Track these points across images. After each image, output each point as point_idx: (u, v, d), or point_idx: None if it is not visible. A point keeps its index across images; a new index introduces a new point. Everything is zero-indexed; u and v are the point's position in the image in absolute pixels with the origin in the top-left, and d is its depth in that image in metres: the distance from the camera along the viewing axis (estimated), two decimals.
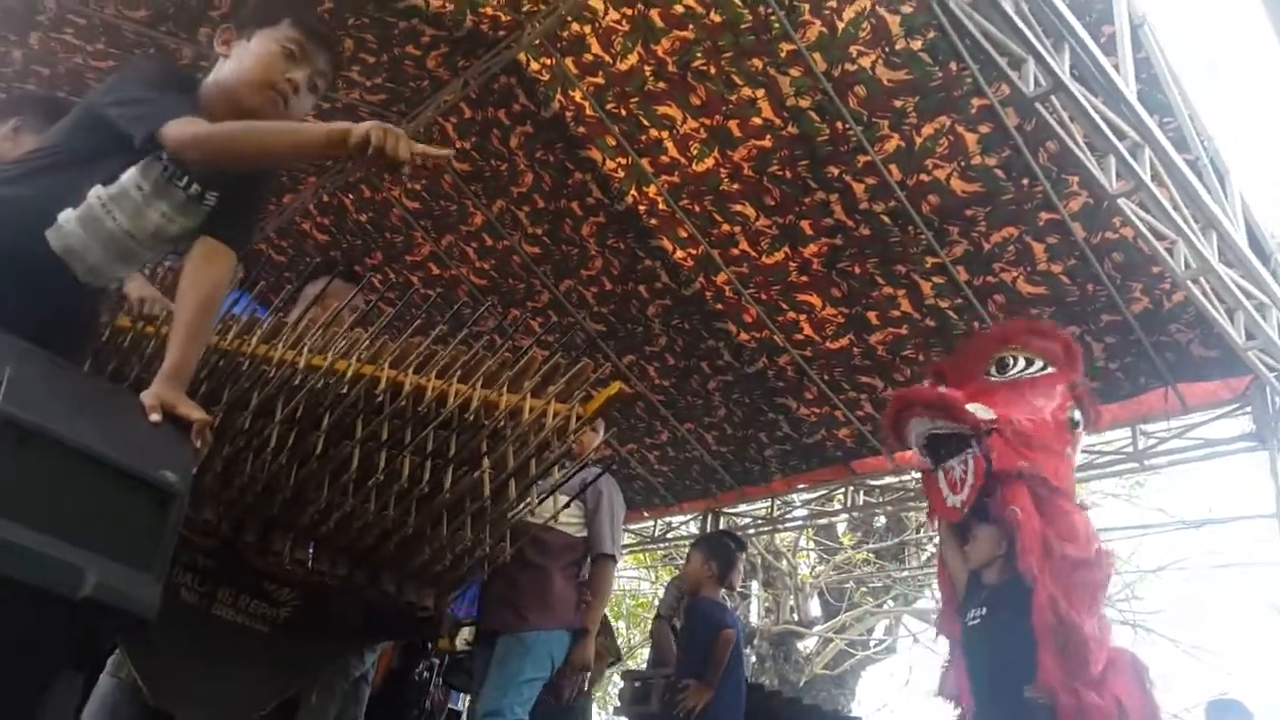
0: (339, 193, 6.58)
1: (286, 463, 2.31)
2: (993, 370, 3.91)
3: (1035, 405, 3.68)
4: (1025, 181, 4.64)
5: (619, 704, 5.09)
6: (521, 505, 2.55)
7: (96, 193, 1.86)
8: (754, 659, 9.86)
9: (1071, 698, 3.10)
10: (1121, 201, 3.92)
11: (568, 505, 3.65)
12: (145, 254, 2.03)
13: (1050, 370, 3.87)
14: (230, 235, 2.02)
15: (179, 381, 1.82)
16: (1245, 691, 9.46)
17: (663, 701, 4.27)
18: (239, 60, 2.01)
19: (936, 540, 10.64)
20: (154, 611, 1.44)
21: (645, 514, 8.51)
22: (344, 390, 2.32)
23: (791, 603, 10.77)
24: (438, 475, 2.39)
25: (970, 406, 3.58)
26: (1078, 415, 3.78)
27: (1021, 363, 3.88)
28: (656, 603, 5.25)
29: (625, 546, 9.59)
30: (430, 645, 4.21)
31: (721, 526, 7.99)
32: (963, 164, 4.69)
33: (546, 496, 3.05)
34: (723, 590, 4.54)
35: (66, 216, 1.84)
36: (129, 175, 1.88)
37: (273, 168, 1.93)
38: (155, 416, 1.69)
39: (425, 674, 4.19)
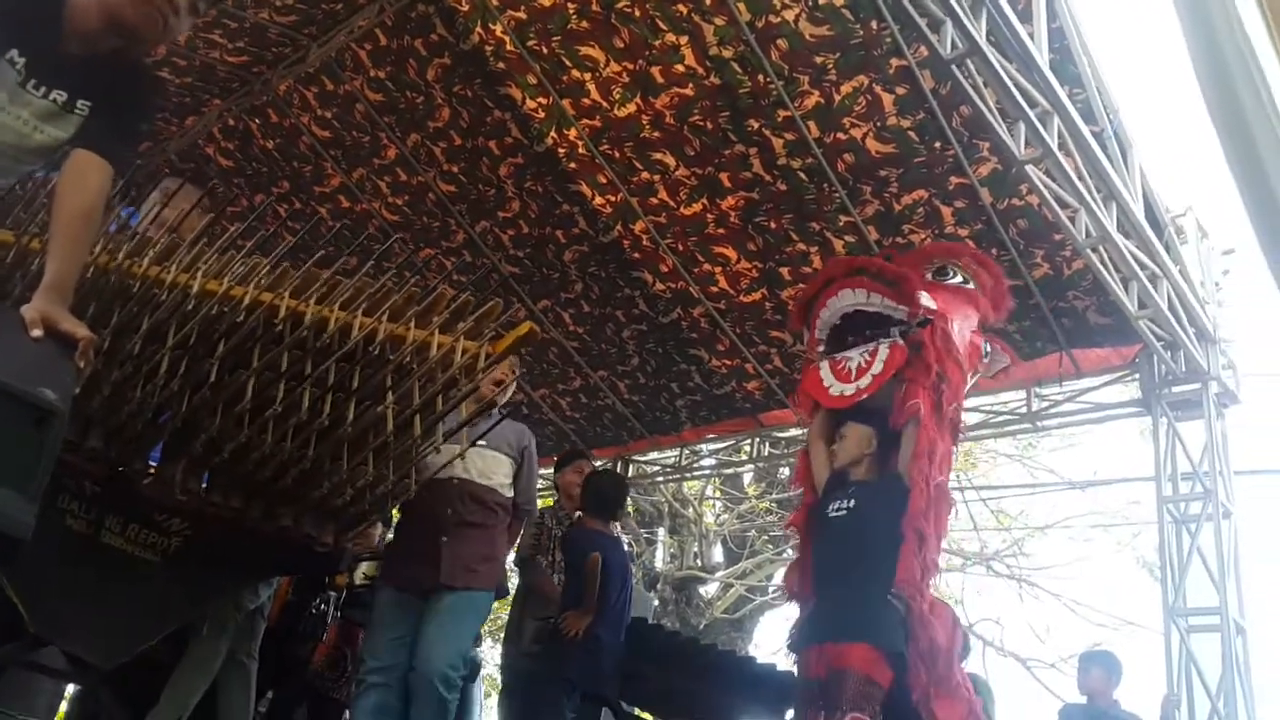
0: (245, 116, 6.33)
1: (179, 390, 2.24)
2: (931, 274, 3.74)
3: (962, 318, 3.54)
4: (938, 145, 4.72)
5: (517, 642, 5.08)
6: (426, 442, 2.53)
7: None
8: (657, 602, 10.05)
9: (921, 604, 3.07)
10: (1029, 168, 4.02)
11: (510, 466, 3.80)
12: (15, 166, 1.95)
13: (978, 294, 3.74)
14: (105, 147, 1.91)
15: (61, 295, 1.74)
16: (1116, 644, 10.03)
17: (540, 638, 4.31)
18: None
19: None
20: (28, 532, 1.39)
21: (555, 460, 8.51)
22: (240, 318, 2.25)
23: (696, 549, 10.98)
24: (339, 409, 2.35)
25: (922, 291, 3.45)
26: (989, 347, 3.65)
27: (959, 277, 3.74)
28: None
29: (537, 491, 9.60)
30: (327, 581, 4.17)
31: (631, 474, 8.07)
32: (879, 124, 4.74)
33: (472, 444, 3.05)
34: (611, 524, 4.51)
35: None
36: None
37: None
38: (36, 332, 1.61)
39: (323, 606, 4.16)
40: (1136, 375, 5.42)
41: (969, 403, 6.13)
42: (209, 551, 2.52)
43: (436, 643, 3.40)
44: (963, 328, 3.49)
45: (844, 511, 3.34)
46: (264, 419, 2.29)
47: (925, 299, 3.42)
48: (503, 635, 4.98)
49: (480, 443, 3.50)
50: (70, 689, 3.49)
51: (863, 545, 3.23)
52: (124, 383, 2.29)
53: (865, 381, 3.43)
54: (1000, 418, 6.23)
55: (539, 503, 4.35)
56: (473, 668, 4.39)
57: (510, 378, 3.77)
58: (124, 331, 2.27)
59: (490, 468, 3.69)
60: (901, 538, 3.12)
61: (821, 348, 3.67)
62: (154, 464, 2.50)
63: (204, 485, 2.52)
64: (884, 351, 3.44)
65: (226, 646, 3.32)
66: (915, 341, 3.37)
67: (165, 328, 2.23)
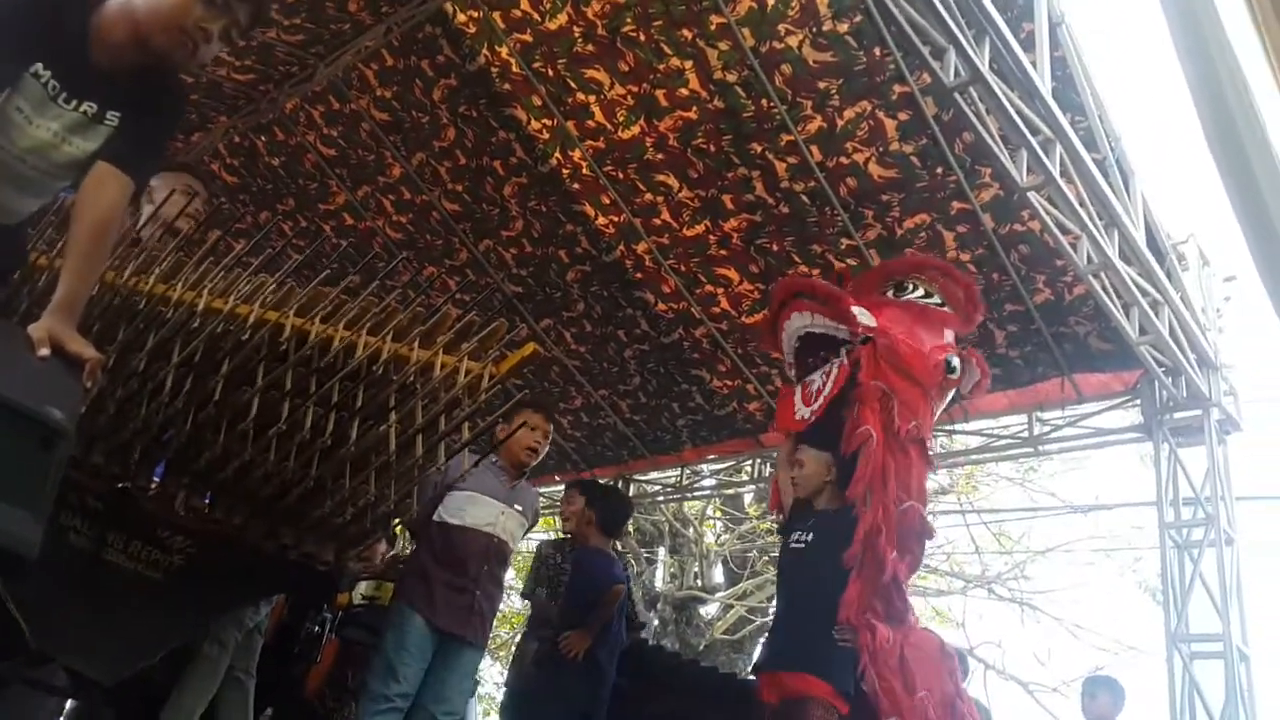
0: (251, 134, 6.38)
1: (183, 408, 2.25)
2: (890, 290, 3.62)
3: (917, 333, 3.38)
4: (940, 170, 4.75)
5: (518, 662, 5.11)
6: (429, 462, 2.53)
7: None
8: (657, 623, 10.01)
9: (868, 633, 2.90)
10: (1031, 195, 4.05)
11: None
12: (47, 181, 1.95)
13: (944, 308, 3.57)
14: (127, 160, 1.91)
15: (70, 315, 1.75)
16: (1118, 669, 9.99)
17: (539, 659, 4.36)
18: None
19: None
20: (34, 550, 1.40)
21: (556, 478, 8.52)
22: (245, 336, 2.26)
23: (696, 569, 10.95)
24: (342, 428, 2.36)
25: (855, 308, 3.32)
26: (955, 362, 3.41)
27: (920, 290, 3.56)
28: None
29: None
30: (327, 601, 4.17)
31: (632, 493, 8.06)
32: (881, 149, 4.77)
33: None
34: (611, 542, 4.59)
35: None
36: (4, 98, 1.81)
37: None
38: (43, 351, 1.62)
39: (317, 629, 4.15)
40: (1138, 400, 5.42)
41: (970, 425, 6.17)
42: (211, 569, 2.52)
43: (455, 693, 3.65)
44: (916, 342, 3.34)
45: (803, 544, 3.25)
46: (267, 437, 2.29)
47: (863, 316, 3.31)
48: (510, 657, 5.06)
49: (517, 506, 3.86)
50: (68, 706, 3.48)
51: (816, 579, 3.12)
52: (128, 400, 2.30)
53: (817, 404, 3.34)
54: (1001, 441, 6.23)
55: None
56: (473, 688, 4.51)
57: (544, 444, 3.97)
58: (129, 349, 2.28)
59: (516, 531, 3.90)
60: (847, 570, 3.01)
61: (792, 371, 3.61)
62: (157, 480, 2.51)
63: (207, 503, 2.53)
64: (835, 371, 3.36)
65: (226, 664, 3.32)
66: (854, 359, 3.27)
67: (170, 345, 2.25)
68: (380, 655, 3.59)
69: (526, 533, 4.12)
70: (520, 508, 3.90)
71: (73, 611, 2.36)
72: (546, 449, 4.09)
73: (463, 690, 3.75)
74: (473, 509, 3.69)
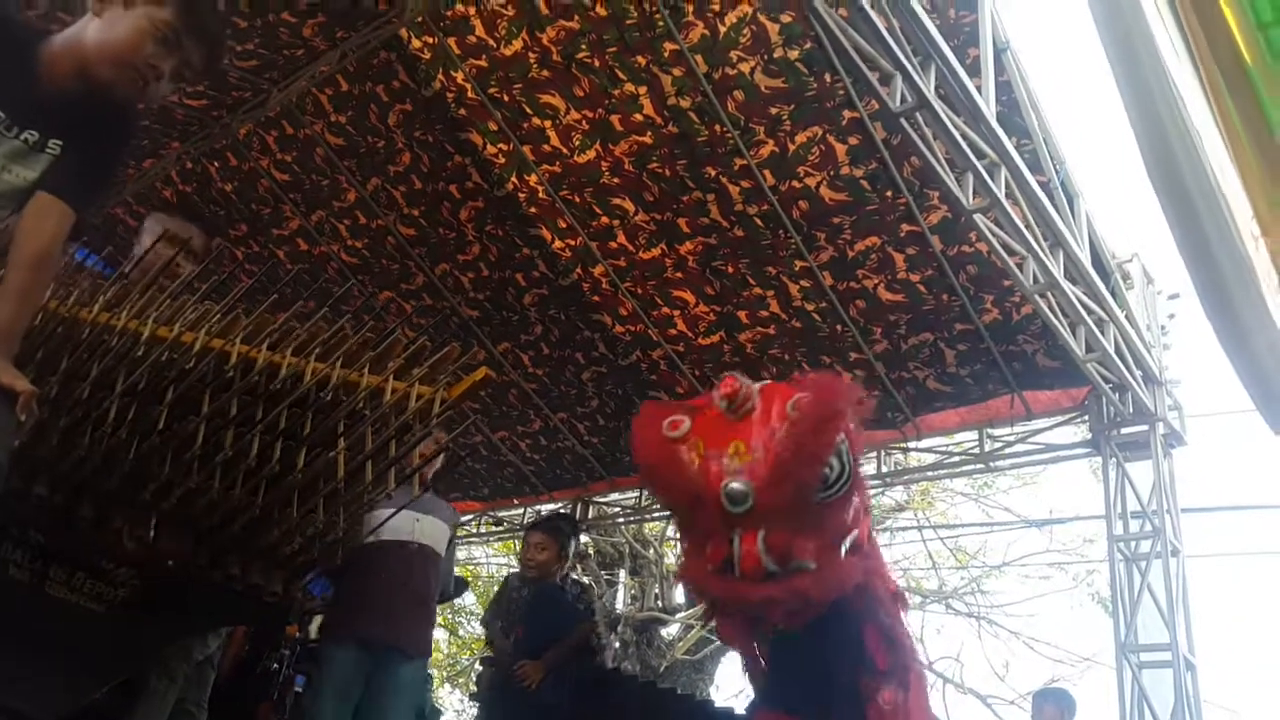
0: (203, 159, 6.32)
1: (127, 437, 2.22)
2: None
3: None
4: (889, 193, 4.83)
5: (476, 689, 5.11)
6: (378, 489, 2.51)
7: None
8: (618, 644, 9.97)
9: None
10: (978, 217, 4.13)
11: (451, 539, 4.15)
12: None
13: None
14: (68, 190, 1.87)
15: (4, 347, 1.73)
16: (1074, 680, 10.13)
17: (494, 684, 4.44)
18: (108, 28, 1.87)
19: None
20: None
21: (515, 502, 8.47)
22: (190, 364, 2.24)
23: (656, 590, 10.92)
24: (290, 455, 2.34)
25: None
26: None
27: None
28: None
29: (494, 534, 9.56)
30: (278, 634, 4.11)
31: (591, 515, 8.04)
32: (832, 173, 4.84)
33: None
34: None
35: None
36: None
37: None
38: None
39: (276, 665, 4.09)
40: (1086, 416, 5.53)
41: (923, 443, 6.24)
42: (157, 602, 2.48)
43: (399, 715, 3.64)
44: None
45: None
46: (212, 465, 2.27)
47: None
48: (467, 684, 5.04)
49: (432, 516, 3.90)
50: None
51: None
52: (72, 429, 2.26)
53: None
54: (954, 458, 6.31)
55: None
56: (433, 715, 4.48)
57: (439, 457, 3.93)
58: (72, 378, 2.25)
59: (438, 537, 3.93)
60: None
61: None
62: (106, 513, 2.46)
63: (152, 533, 2.49)
64: None
65: (175, 697, 3.25)
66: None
67: (114, 374, 2.22)
68: (317, 696, 3.67)
69: (450, 543, 4.11)
70: (436, 517, 3.94)
71: (13, 647, 2.30)
72: (440, 456, 4.01)
73: (405, 710, 3.71)
74: (387, 524, 3.63)
